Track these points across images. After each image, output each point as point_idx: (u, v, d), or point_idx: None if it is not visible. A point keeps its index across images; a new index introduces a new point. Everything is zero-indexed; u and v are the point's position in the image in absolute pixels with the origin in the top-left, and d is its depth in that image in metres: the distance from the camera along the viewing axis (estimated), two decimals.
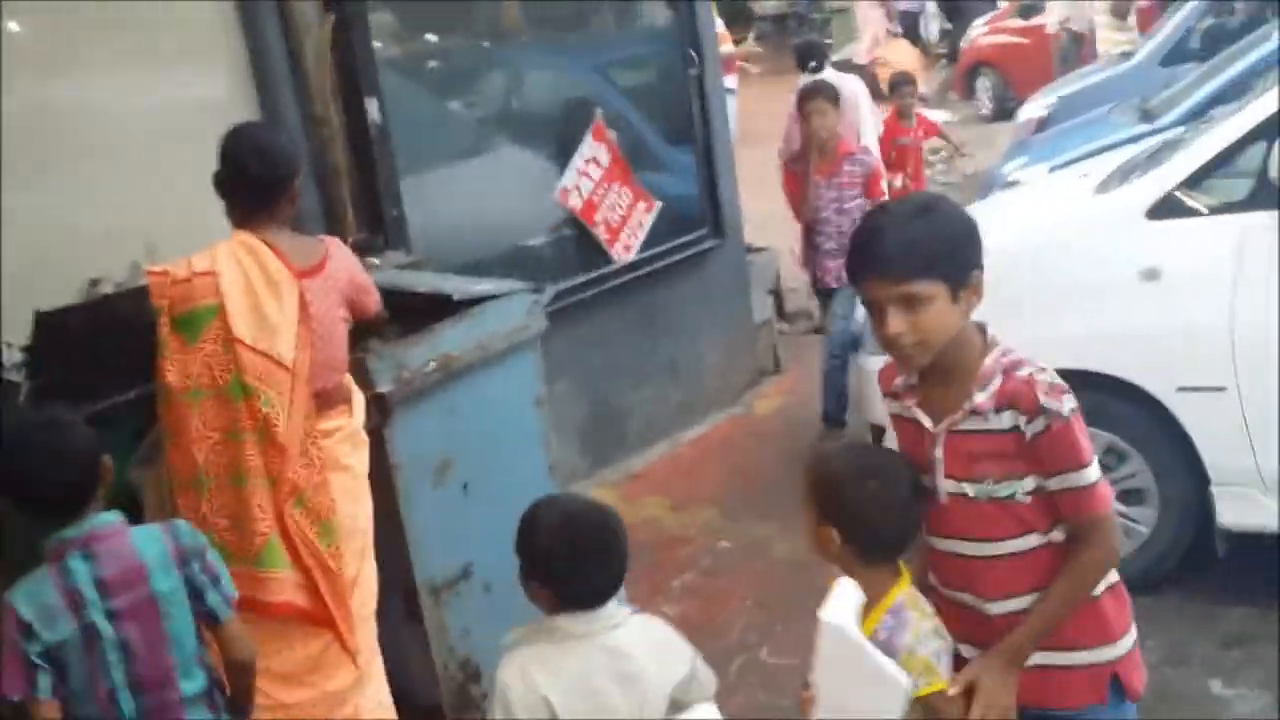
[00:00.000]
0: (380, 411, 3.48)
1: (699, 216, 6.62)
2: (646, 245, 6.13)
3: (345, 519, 3.25)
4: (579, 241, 5.94)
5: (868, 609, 2.37)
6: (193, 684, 2.67)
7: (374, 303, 3.47)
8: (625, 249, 6.03)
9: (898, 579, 2.41)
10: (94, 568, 2.57)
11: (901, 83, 8.38)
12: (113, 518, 2.66)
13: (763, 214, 8.15)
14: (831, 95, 5.96)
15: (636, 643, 2.40)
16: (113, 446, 3.54)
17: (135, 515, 3.27)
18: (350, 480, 3.28)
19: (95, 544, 2.59)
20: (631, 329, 6.15)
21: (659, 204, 6.11)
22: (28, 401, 3.66)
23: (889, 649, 2.29)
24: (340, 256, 3.35)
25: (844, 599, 2.31)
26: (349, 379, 3.37)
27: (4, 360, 3.85)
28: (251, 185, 3.20)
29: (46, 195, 4.23)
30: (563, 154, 5.84)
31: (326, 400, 3.25)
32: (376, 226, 4.97)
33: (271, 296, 3.11)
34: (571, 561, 2.38)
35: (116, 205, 4.40)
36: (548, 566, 2.39)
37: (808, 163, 6.02)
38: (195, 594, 2.68)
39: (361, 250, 4.66)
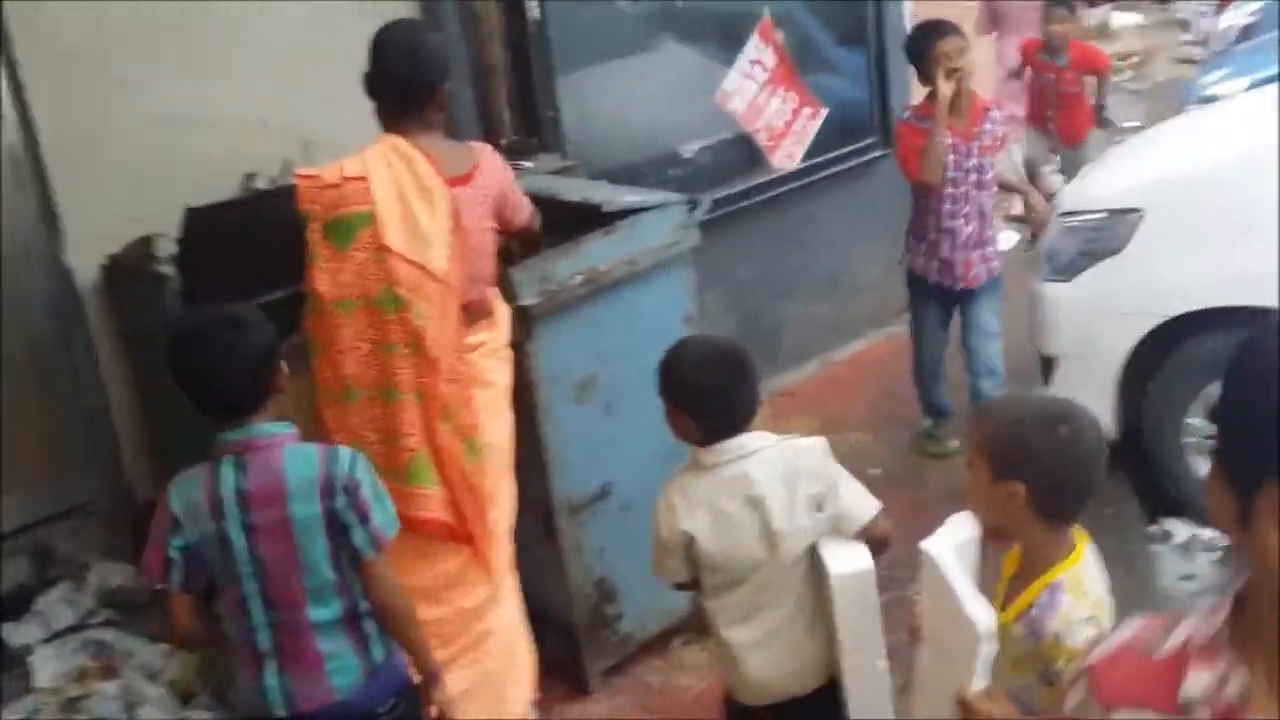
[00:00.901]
0: (523, 325, 3.37)
1: (867, 124, 6.31)
2: (810, 153, 5.87)
3: (486, 436, 3.17)
4: (738, 147, 5.72)
5: (1029, 578, 2.22)
6: (325, 611, 2.57)
7: (523, 215, 3.33)
8: (788, 157, 5.77)
9: (1071, 550, 2.21)
10: (240, 478, 2.50)
11: (1055, 2, 6.40)
12: (276, 429, 2.56)
13: None
14: (962, 33, 4.71)
15: (763, 470, 2.60)
16: None
17: None
18: (494, 396, 3.20)
19: (249, 453, 2.52)
20: (788, 241, 5.93)
21: (825, 110, 5.82)
22: (174, 297, 3.67)
23: (1036, 631, 2.15)
24: (491, 165, 3.22)
25: (952, 531, 2.23)
26: (495, 292, 3.26)
27: (157, 252, 3.87)
28: (399, 87, 3.08)
29: (204, 85, 4.20)
30: (726, 54, 5.59)
31: (472, 314, 3.16)
32: (532, 127, 4.84)
33: (424, 205, 3.00)
34: (709, 393, 2.61)
35: (273, 99, 4.36)
36: (688, 398, 2.62)
37: (928, 118, 4.63)
38: (341, 528, 2.55)
39: (514, 152, 4.56)
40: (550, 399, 3.49)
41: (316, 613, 2.57)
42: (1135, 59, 9.83)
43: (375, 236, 2.96)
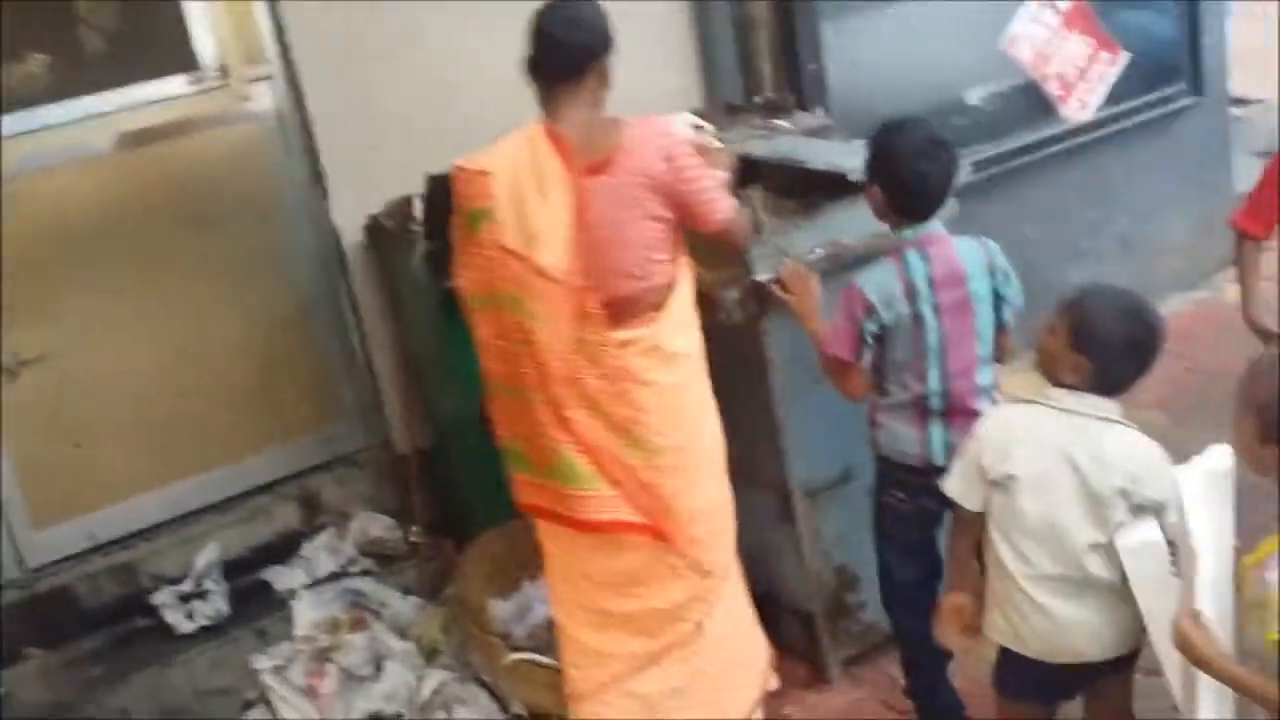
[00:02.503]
0: (759, 301, 3.20)
1: (1174, 68, 5.72)
2: (1107, 101, 5.36)
3: (661, 436, 2.99)
4: (1025, 96, 5.27)
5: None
6: (985, 377, 3.08)
7: (715, 216, 2.99)
8: (1081, 106, 5.27)
9: None
10: (927, 266, 2.98)
11: None
12: (940, 227, 3.05)
13: (1258, 52, 6.89)
14: None
15: (1116, 446, 2.59)
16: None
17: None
18: (655, 395, 2.97)
19: (929, 246, 3.00)
20: (1078, 199, 5.46)
21: (1125, 55, 5.30)
22: (423, 261, 3.70)
23: (1262, 581, 2.18)
24: (644, 151, 2.90)
25: (1207, 459, 2.44)
26: (669, 287, 3.02)
27: (415, 213, 3.94)
28: (549, 67, 2.89)
29: (469, 48, 4.20)
30: None
31: (623, 310, 2.94)
32: (794, 82, 4.62)
33: (538, 197, 2.83)
34: (1119, 349, 2.60)
35: None
36: (1096, 346, 2.60)
37: None
38: (997, 303, 3.06)
39: (771, 111, 4.37)
40: (787, 379, 3.32)
41: (981, 377, 3.07)
42: None
43: (494, 232, 2.86)
